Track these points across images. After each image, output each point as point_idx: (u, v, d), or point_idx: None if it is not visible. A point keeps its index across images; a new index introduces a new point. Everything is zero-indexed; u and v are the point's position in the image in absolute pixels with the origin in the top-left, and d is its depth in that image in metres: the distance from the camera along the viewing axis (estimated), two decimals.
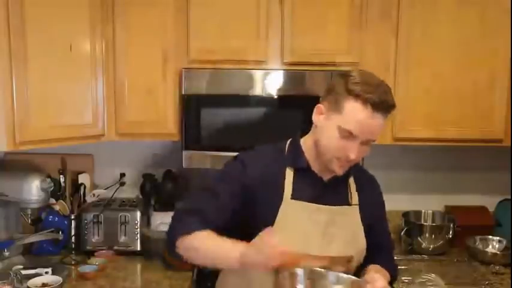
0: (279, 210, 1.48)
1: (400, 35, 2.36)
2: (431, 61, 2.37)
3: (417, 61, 2.36)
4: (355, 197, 1.58)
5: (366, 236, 1.58)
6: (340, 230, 1.54)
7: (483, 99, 2.38)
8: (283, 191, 1.50)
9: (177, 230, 1.49)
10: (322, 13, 2.34)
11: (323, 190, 1.53)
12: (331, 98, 1.45)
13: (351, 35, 2.35)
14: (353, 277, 1.44)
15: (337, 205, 1.54)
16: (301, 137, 1.58)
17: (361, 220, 1.57)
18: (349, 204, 1.57)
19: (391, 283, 1.60)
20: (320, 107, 1.48)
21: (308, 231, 1.51)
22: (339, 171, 1.47)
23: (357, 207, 1.57)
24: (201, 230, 1.43)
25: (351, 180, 1.59)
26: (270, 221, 1.46)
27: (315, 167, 1.53)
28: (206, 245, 1.43)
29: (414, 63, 2.37)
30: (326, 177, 1.54)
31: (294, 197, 1.50)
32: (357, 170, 1.59)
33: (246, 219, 1.48)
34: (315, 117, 1.50)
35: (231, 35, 2.34)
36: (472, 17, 2.34)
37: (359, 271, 1.57)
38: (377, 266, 1.57)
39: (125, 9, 2.32)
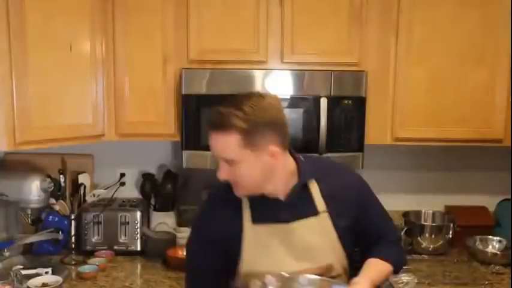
0: (243, 237, 1.53)
1: (400, 35, 2.36)
2: (431, 61, 2.37)
3: (417, 61, 2.36)
4: (321, 205, 1.55)
5: (346, 239, 1.56)
6: (312, 241, 1.54)
7: (483, 99, 2.38)
8: (243, 220, 1.54)
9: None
10: (322, 13, 2.34)
11: (283, 208, 1.53)
12: None
13: (351, 35, 2.35)
14: (324, 277, 1.47)
15: (303, 218, 1.54)
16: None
17: (336, 225, 1.55)
18: (317, 214, 1.55)
19: (396, 272, 1.62)
20: None
21: (275, 249, 1.53)
22: (236, 194, 1.51)
23: (326, 214, 1.55)
24: None
25: (314, 188, 1.56)
26: (237, 249, 1.53)
27: (267, 190, 1.52)
28: None
29: (414, 63, 2.37)
30: (281, 196, 1.53)
31: (254, 222, 1.53)
32: (324, 174, 1.58)
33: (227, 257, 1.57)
34: None
35: (231, 35, 2.34)
36: (472, 16, 2.34)
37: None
38: (373, 260, 1.56)
39: (126, 9, 2.32)
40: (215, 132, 1.45)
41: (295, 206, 1.54)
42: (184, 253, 1.72)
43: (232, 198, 1.54)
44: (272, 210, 1.53)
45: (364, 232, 1.61)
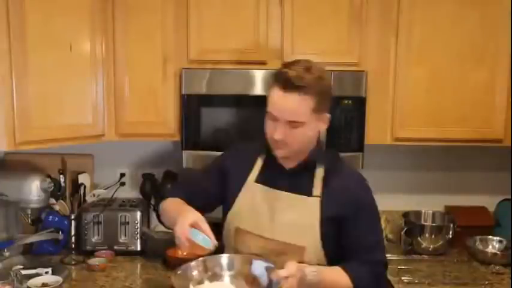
0: (240, 191, 1.66)
1: (400, 35, 2.36)
2: (431, 61, 2.37)
3: (417, 61, 2.36)
4: (317, 189, 1.60)
5: (327, 229, 1.58)
6: (294, 218, 1.59)
7: (483, 99, 2.38)
8: (249, 176, 1.67)
9: (163, 198, 1.81)
10: (322, 13, 2.34)
11: (285, 178, 1.63)
12: None
13: (351, 35, 2.35)
14: (248, 255, 1.57)
15: (296, 193, 1.61)
16: None
17: (323, 213, 1.58)
18: (310, 195, 1.60)
19: None
20: None
21: (261, 213, 1.62)
22: (277, 153, 1.58)
23: (318, 199, 1.59)
24: (175, 197, 1.73)
25: (318, 172, 1.62)
26: (231, 199, 1.67)
27: (303, 157, 1.62)
28: (169, 207, 1.71)
29: (414, 63, 2.37)
30: (288, 165, 1.63)
31: (257, 181, 1.66)
32: (335, 167, 1.64)
33: (220, 198, 1.72)
34: None
35: (231, 35, 2.34)
36: (472, 16, 2.34)
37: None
38: (334, 268, 1.57)
39: (126, 9, 2.32)
40: (290, 92, 1.46)
41: (296, 181, 1.62)
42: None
43: (252, 154, 1.70)
44: (275, 176, 1.64)
45: (347, 238, 1.61)
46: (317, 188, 1.61)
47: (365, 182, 1.69)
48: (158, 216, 1.86)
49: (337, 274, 1.57)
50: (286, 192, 1.62)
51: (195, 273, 1.55)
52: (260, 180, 1.66)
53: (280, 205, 1.61)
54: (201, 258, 1.56)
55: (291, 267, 1.42)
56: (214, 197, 1.75)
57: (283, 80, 1.47)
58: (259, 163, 1.68)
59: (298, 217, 1.59)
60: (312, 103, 1.48)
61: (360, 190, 1.65)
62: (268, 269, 1.47)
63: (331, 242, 1.60)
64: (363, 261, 1.60)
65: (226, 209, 1.70)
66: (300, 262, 1.52)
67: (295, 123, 1.49)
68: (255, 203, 1.64)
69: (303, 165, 1.62)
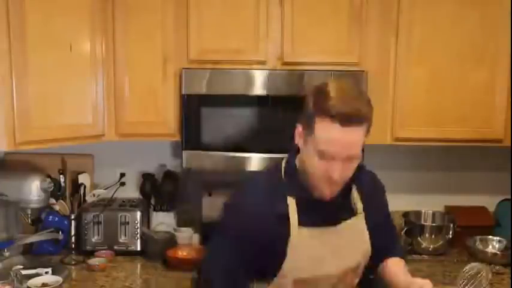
0: (289, 240, 1.45)
1: (400, 35, 2.36)
2: (431, 61, 2.37)
3: (417, 61, 2.36)
4: (359, 206, 1.55)
5: (372, 237, 1.58)
6: (349, 242, 1.54)
7: (483, 99, 2.38)
8: (289, 221, 1.45)
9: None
10: (322, 13, 2.34)
11: (327, 210, 1.47)
12: (304, 119, 1.40)
13: (351, 35, 2.35)
14: None
15: (343, 220, 1.52)
16: (297, 152, 1.50)
17: (369, 224, 1.57)
18: (355, 214, 1.55)
19: None
20: (299, 129, 1.44)
21: (321, 254, 1.49)
22: (328, 194, 1.42)
23: (363, 214, 1.56)
24: None
25: (353, 190, 1.55)
26: (282, 252, 1.45)
27: (314, 188, 1.45)
28: None
29: (414, 63, 2.37)
30: (330, 197, 1.47)
31: (301, 224, 1.45)
32: (357, 177, 1.51)
33: (261, 256, 1.45)
34: (297, 140, 1.45)
35: (231, 35, 2.34)
36: (472, 16, 2.34)
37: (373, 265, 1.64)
38: (395, 260, 1.64)
39: (126, 9, 2.33)
40: (351, 126, 1.32)
41: (340, 207, 1.50)
42: (215, 242, 1.53)
43: (277, 199, 1.46)
44: (318, 212, 1.46)
45: (381, 236, 1.63)
46: (358, 204, 1.55)
47: (379, 179, 1.71)
48: None
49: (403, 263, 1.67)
50: (338, 225, 1.51)
51: None
52: (305, 222, 1.46)
53: (337, 239, 1.51)
54: None
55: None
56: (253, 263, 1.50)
57: (341, 116, 1.31)
58: (292, 205, 1.46)
59: (354, 240, 1.54)
60: (365, 130, 1.38)
61: (383, 189, 1.70)
62: None
63: (373, 247, 1.60)
64: (397, 241, 1.79)
65: (275, 264, 1.48)
66: (352, 279, 1.57)
67: (352, 158, 1.37)
68: (310, 248, 1.47)
69: (342, 191, 1.47)
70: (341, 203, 1.50)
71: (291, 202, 1.46)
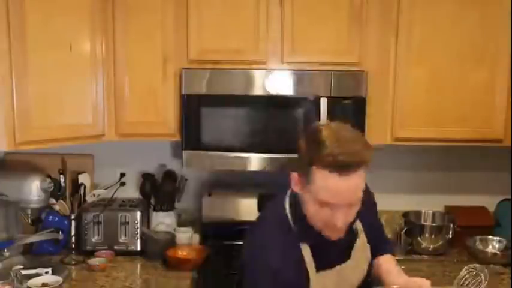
0: (310, 286, 1.44)
1: (400, 35, 2.36)
2: (431, 61, 2.37)
3: (417, 61, 2.36)
4: (359, 226, 1.55)
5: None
6: (359, 263, 1.57)
7: (483, 99, 2.38)
8: (306, 267, 1.44)
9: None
10: (322, 13, 2.34)
11: (338, 248, 1.47)
12: (300, 167, 1.37)
13: (351, 35, 2.35)
14: None
15: (351, 248, 1.51)
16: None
17: (367, 237, 1.59)
18: (358, 235, 1.55)
19: None
20: (295, 176, 1.41)
21: None
22: (334, 237, 1.41)
23: (363, 231, 1.57)
24: None
25: None
26: None
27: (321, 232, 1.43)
28: None
29: (414, 63, 2.36)
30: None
31: (318, 268, 1.45)
32: None
33: None
34: (294, 187, 1.43)
35: (231, 35, 2.34)
36: (472, 16, 2.34)
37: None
38: (386, 257, 1.64)
39: (126, 9, 2.33)
40: (349, 173, 1.28)
41: (344, 240, 1.46)
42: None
43: (293, 245, 1.43)
44: (332, 253, 1.46)
45: (372, 236, 1.63)
46: (358, 225, 1.54)
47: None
48: None
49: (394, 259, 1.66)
50: (349, 260, 1.52)
51: None
52: (320, 266, 1.45)
53: (352, 269, 1.52)
54: None
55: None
56: None
57: (339, 166, 1.27)
58: (306, 251, 1.44)
59: (362, 256, 1.57)
60: (364, 175, 1.34)
61: (370, 195, 1.68)
62: None
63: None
64: (386, 238, 1.78)
65: None
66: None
67: (356, 202, 1.35)
68: None
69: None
70: (346, 236, 1.47)
71: (305, 248, 1.44)
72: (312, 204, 1.36)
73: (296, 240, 1.44)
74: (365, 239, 1.56)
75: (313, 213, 1.37)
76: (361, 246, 1.55)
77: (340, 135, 1.33)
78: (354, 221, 1.45)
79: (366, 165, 1.32)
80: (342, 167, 1.27)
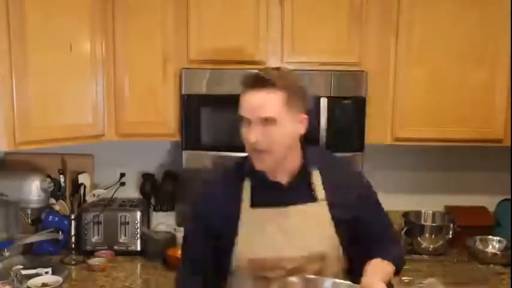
0: (239, 220, 1.53)
1: (400, 35, 2.36)
2: (431, 61, 2.37)
3: (417, 61, 2.36)
4: (320, 193, 1.56)
5: (343, 231, 1.56)
6: (304, 227, 1.54)
7: (483, 99, 2.38)
8: (241, 202, 1.54)
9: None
10: (322, 13, 2.34)
11: (283, 193, 1.54)
12: None
13: (351, 35, 2.35)
14: (349, 283, 1.44)
15: (300, 204, 1.55)
16: None
17: (334, 215, 1.55)
18: (315, 201, 1.56)
19: (397, 272, 1.60)
20: None
21: (272, 235, 1.53)
22: (260, 165, 1.49)
23: (325, 202, 1.56)
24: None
25: (315, 176, 1.57)
26: (232, 232, 1.54)
27: (270, 173, 1.53)
28: None
29: (414, 63, 2.37)
30: (281, 179, 1.55)
31: (253, 206, 1.53)
32: (328, 166, 1.59)
33: (219, 239, 1.57)
34: None
35: (231, 35, 2.34)
36: (472, 16, 2.34)
37: (360, 266, 1.54)
38: (376, 261, 1.53)
39: (126, 9, 2.33)
40: (258, 89, 1.44)
41: (295, 191, 1.55)
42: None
43: (233, 181, 1.56)
44: (272, 194, 1.54)
45: (365, 234, 1.61)
46: (319, 191, 1.56)
47: (362, 174, 1.71)
48: None
49: (384, 269, 1.54)
50: (291, 206, 1.54)
51: None
52: (257, 203, 1.54)
53: (289, 221, 1.54)
54: (306, 276, 1.45)
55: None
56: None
57: (250, 80, 1.47)
58: (247, 187, 1.55)
59: (311, 225, 1.55)
60: (281, 97, 1.44)
61: (359, 183, 1.65)
62: None
63: (345, 238, 1.58)
64: (388, 243, 1.64)
65: (228, 246, 1.55)
66: (321, 269, 1.53)
67: (267, 120, 1.43)
68: (262, 229, 1.53)
69: (297, 174, 1.55)
70: (297, 186, 1.55)
71: (246, 184, 1.55)
72: (241, 128, 1.50)
73: (241, 174, 1.57)
74: (325, 213, 1.55)
75: (242, 136, 1.50)
76: (313, 213, 1.55)
77: (274, 67, 1.56)
78: (304, 174, 1.54)
79: (280, 90, 1.44)
80: (250, 82, 1.46)
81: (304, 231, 1.55)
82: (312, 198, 1.56)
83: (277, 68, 1.54)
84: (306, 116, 1.50)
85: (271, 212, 1.54)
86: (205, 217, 1.58)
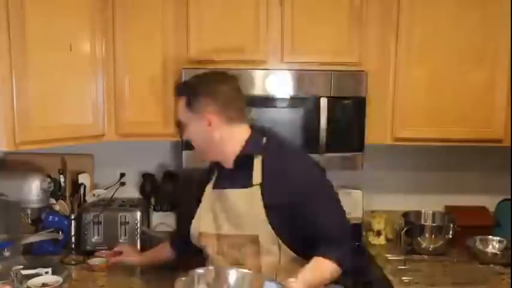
0: (202, 198, 1.85)
1: (400, 35, 2.36)
2: (431, 61, 2.37)
3: (417, 61, 2.37)
4: (256, 179, 1.69)
5: (275, 217, 1.65)
6: (241, 210, 1.69)
7: (483, 99, 2.38)
8: (208, 184, 1.85)
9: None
10: (322, 13, 2.34)
11: (227, 177, 1.77)
12: None
13: (351, 35, 2.35)
14: (254, 273, 1.58)
15: (238, 188, 1.72)
16: None
17: (266, 201, 1.65)
18: (250, 186, 1.69)
19: (344, 270, 1.66)
20: None
21: (216, 214, 1.77)
22: (201, 157, 1.83)
23: (258, 187, 1.67)
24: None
25: (256, 163, 1.70)
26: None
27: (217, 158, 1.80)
28: None
29: (414, 63, 2.37)
30: (228, 166, 1.77)
31: (213, 187, 1.82)
32: (272, 155, 1.71)
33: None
34: None
35: (231, 35, 2.34)
36: (472, 16, 2.34)
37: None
38: (316, 260, 1.62)
39: (126, 9, 2.33)
40: (178, 95, 1.79)
41: (236, 176, 1.74)
42: None
43: (212, 168, 1.86)
44: (221, 178, 1.80)
45: (309, 229, 1.66)
46: (256, 177, 1.69)
47: (306, 164, 1.74)
48: None
49: (320, 268, 1.62)
50: (229, 189, 1.74)
51: (201, 285, 1.54)
52: (215, 186, 1.82)
53: (228, 202, 1.73)
54: (210, 267, 1.62)
55: (297, 284, 1.49)
56: None
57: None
58: (215, 173, 1.85)
59: (244, 208, 1.69)
60: (184, 102, 1.72)
61: (300, 174, 1.69)
62: None
63: (285, 229, 1.66)
64: (332, 240, 1.66)
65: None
66: (256, 252, 1.67)
67: (182, 123, 1.75)
68: (211, 207, 1.80)
69: (238, 161, 1.73)
70: (238, 172, 1.73)
71: (216, 171, 1.84)
72: None
73: (214, 164, 1.86)
74: (257, 198, 1.67)
75: None
76: (247, 197, 1.69)
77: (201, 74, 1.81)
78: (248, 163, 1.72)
79: (182, 93, 1.76)
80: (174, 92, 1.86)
81: (239, 213, 1.70)
82: (248, 183, 1.69)
83: (196, 77, 1.79)
84: (213, 118, 1.70)
85: (217, 193, 1.79)
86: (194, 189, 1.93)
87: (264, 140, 1.75)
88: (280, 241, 1.67)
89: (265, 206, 1.66)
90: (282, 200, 1.64)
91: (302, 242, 1.67)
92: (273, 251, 1.68)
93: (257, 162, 1.70)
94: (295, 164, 1.71)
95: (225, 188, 1.75)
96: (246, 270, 1.58)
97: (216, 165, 1.83)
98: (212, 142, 1.72)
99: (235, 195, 1.72)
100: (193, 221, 1.83)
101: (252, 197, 1.68)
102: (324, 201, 1.70)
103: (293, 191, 1.64)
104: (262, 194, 1.67)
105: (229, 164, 1.76)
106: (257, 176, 1.69)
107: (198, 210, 1.84)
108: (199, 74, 1.79)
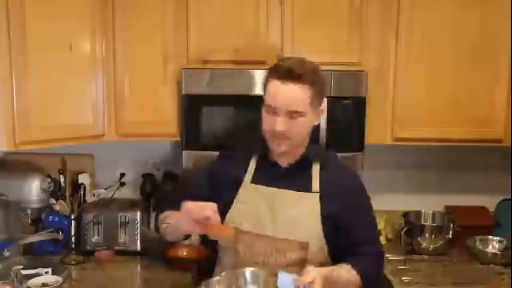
0: (238, 192, 1.67)
1: (400, 35, 2.36)
2: (431, 61, 2.37)
3: (417, 61, 2.37)
4: (316, 185, 1.63)
5: (328, 226, 1.60)
6: (295, 214, 1.61)
7: (483, 99, 2.38)
8: (244, 178, 1.68)
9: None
10: (322, 13, 2.34)
11: (282, 176, 1.65)
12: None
13: (351, 35, 2.35)
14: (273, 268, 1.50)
15: (294, 190, 1.63)
16: None
17: (323, 209, 1.61)
18: (309, 191, 1.63)
19: (366, 284, 1.60)
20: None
21: (261, 212, 1.63)
22: (276, 148, 1.59)
23: (317, 194, 1.62)
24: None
25: (315, 169, 1.65)
26: (228, 199, 1.67)
27: (272, 153, 1.65)
28: (170, 214, 1.70)
29: (414, 64, 2.37)
30: (283, 163, 1.66)
31: (253, 181, 1.67)
32: (329, 163, 1.68)
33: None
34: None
35: (230, 35, 2.34)
36: (472, 17, 2.34)
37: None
38: (341, 266, 1.57)
39: (126, 9, 2.33)
40: (289, 81, 1.51)
41: (293, 177, 1.65)
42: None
43: (244, 156, 1.71)
44: (271, 175, 1.66)
45: (348, 235, 1.63)
46: (315, 183, 1.64)
47: (360, 179, 1.72)
48: (157, 230, 1.82)
49: (348, 271, 1.57)
50: (285, 190, 1.64)
51: None
52: (257, 180, 1.67)
53: (279, 203, 1.63)
54: (223, 273, 1.53)
55: (312, 272, 1.42)
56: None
57: (281, 71, 1.53)
58: (252, 164, 1.70)
59: (299, 213, 1.61)
60: (309, 93, 1.53)
61: (356, 188, 1.69)
62: (294, 281, 1.43)
63: (333, 239, 1.62)
64: (366, 254, 1.64)
65: (222, 212, 1.62)
66: (303, 259, 1.57)
67: (296, 113, 1.52)
68: (254, 204, 1.65)
69: (299, 162, 1.65)
70: (295, 173, 1.64)
71: (253, 162, 1.70)
72: (264, 113, 1.58)
73: (247, 152, 1.72)
74: (315, 205, 1.61)
75: (263, 121, 1.59)
76: (304, 202, 1.62)
77: (293, 58, 1.63)
78: (306, 160, 1.65)
79: (309, 85, 1.52)
80: (282, 75, 1.52)
81: (292, 217, 1.61)
82: (307, 188, 1.62)
83: (304, 61, 1.58)
84: (322, 108, 1.61)
85: (266, 190, 1.65)
86: (214, 173, 1.75)
87: (318, 146, 1.74)
88: (325, 246, 1.63)
89: (322, 215, 1.61)
90: (337, 213, 1.61)
91: (337, 251, 1.65)
92: (318, 257, 1.62)
93: (316, 169, 1.66)
94: (350, 179, 1.70)
95: (278, 187, 1.64)
96: (259, 270, 1.52)
97: (261, 159, 1.69)
98: (308, 136, 1.64)
99: (292, 198, 1.63)
100: (228, 217, 1.66)
101: (310, 202, 1.62)
102: (368, 215, 1.72)
103: (348, 205, 1.63)
104: (320, 201, 1.62)
105: (287, 160, 1.65)
106: (316, 182, 1.64)
107: (235, 204, 1.67)
108: (299, 61, 1.59)
